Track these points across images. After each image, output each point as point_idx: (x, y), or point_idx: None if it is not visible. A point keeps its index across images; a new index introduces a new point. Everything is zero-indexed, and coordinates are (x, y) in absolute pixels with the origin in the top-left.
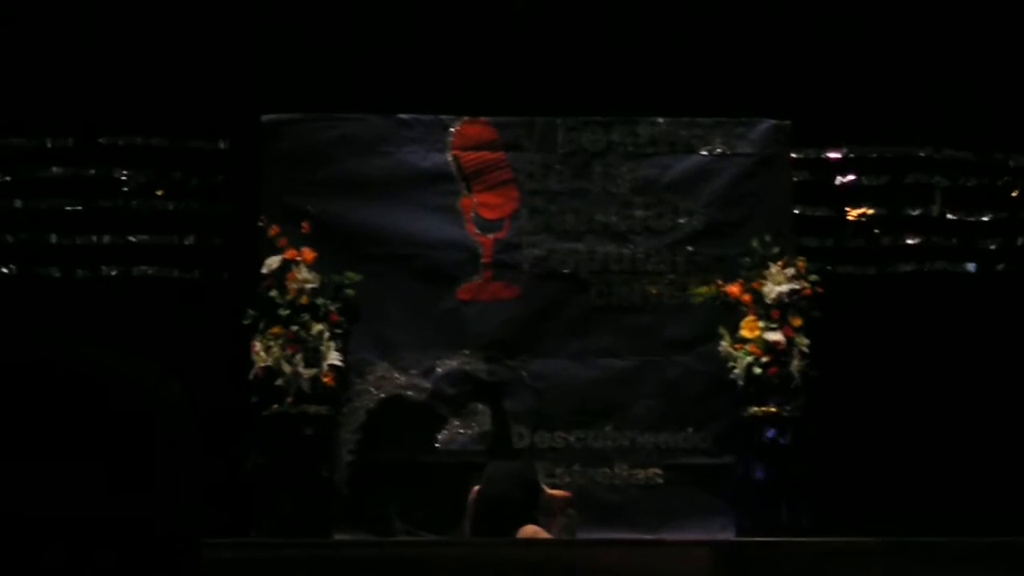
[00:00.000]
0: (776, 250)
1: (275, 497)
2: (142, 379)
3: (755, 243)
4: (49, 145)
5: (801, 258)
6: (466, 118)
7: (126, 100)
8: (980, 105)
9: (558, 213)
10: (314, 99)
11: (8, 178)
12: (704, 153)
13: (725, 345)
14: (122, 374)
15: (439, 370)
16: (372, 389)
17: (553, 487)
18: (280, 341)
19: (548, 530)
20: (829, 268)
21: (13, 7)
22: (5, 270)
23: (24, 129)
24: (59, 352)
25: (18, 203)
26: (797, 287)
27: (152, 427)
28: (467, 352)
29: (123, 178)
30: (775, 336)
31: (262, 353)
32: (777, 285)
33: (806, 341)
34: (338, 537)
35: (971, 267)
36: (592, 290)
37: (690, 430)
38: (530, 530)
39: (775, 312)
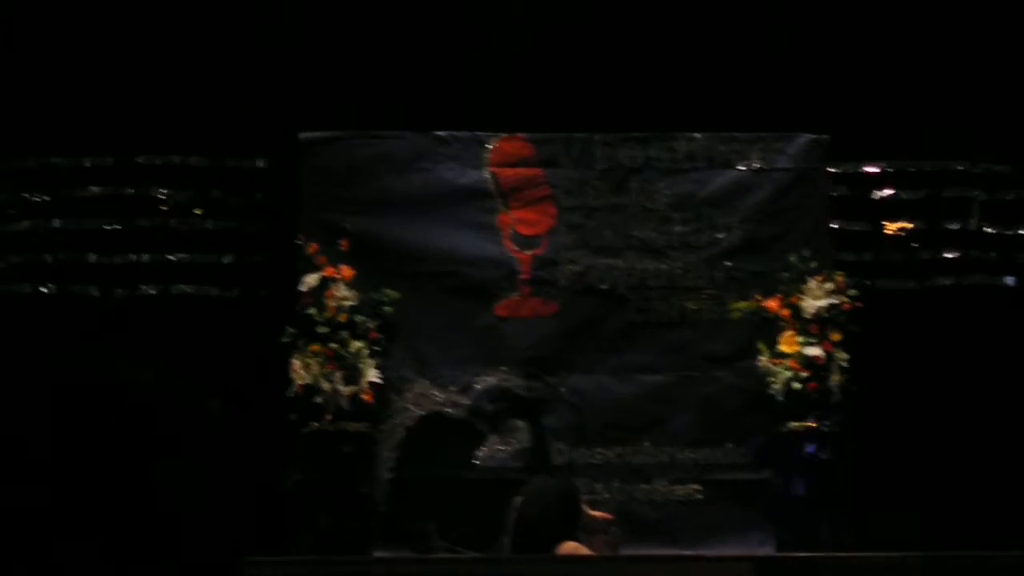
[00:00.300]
0: (814, 265)
1: (314, 514)
2: (182, 398)
3: (793, 258)
4: (88, 164)
5: (839, 273)
6: (503, 135)
7: (164, 119)
8: (1018, 118)
9: (596, 229)
10: (351, 117)
11: (47, 198)
12: (742, 168)
13: (764, 360)
14: (162, 393)
15: (477, 387)
16: (411, 406)
17: (592, 503)
18: (319, 359)
19: (589, 548)
20: (868, 282)
21: (52, 27)
22: (44, 289)
23: (63, 148)
24: (101, 372)
25: (57, 222)
26: (836, 302)
27: (192, 445)
28: (505, 369)
29: (162, 197)
30: (814, 351)
31: (301, 371)
32: (816, 300)
33: (845, 356)
34: (377, 554)
35: (1010, 281)
36: (630, 306)
37: (729, 445)
38: (570, 547)
39: (814, 327)
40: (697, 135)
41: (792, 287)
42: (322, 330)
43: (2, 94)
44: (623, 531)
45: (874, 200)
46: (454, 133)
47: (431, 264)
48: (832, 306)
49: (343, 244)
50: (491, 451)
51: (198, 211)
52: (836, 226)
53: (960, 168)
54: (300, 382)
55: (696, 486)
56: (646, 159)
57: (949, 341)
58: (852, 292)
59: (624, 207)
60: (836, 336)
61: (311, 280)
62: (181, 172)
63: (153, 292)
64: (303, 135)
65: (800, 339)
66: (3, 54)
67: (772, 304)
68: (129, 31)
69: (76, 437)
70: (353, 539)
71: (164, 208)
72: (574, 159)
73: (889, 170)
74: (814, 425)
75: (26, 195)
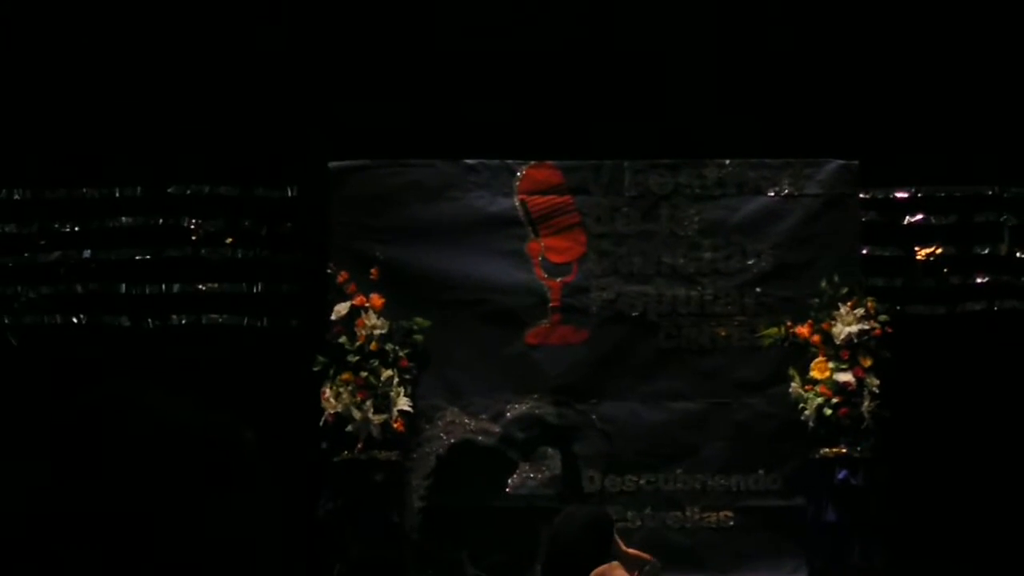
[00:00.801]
0: (845, 290)
1: (347, 543)
2: (217, 429)
3: (824, 284)
4: (118, 194)
5: (870, 298)
6: (533, 162)
7: (194, 149)
8: None
9: (626, 256)
10: (381, 145)
11: (77, 228)
12: (772, 194)
13: (795, 386)
14: (196, 424)
15: (508, 414)
16: (442, 434)
17: (624, 531)
18: (350, 387)
19: None
20: (898, 308)
21: (82, 59)
22: (75, 320)
23: (93, 179)
24: (136, 404)
25: (88, 253)
26: (867, 327)
27: (228, 475)
28: (536, 396)
29: (192, 227)
30: (845, 377)
31: (332, 400)
32: (847, 326)
33: (876, 381)
34: None
35: None
36: (661, 333)
37: (761, 472)
38: (603, 570)
39: (845, 353)
40: (727, 162)
41: (823, 313)
42: (353, 359)
43: (33, 125)
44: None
45: (904, 225)
46: (483, 161)
47: (461, 292)
48: (863, 332)
49: (373, 273)
50: (522, 479)
51: (228, 240)
52: (867, 252)
53: (990, 193)
54: (331, 411)
55: (728, 513)
56: (676, 186)
57: (980, 366)
58: (883, 318)
59: (654, 234)
60: (867, 362)
61: (341, 309)
62: (211, 202)
63: (184, 322)
64: (333, 164)
65: (831, 365)
66: (34, 85)
67: (803, 330)
68: (158, 62)
69: (112, 468)
70: (385, 568)
71: (194, 238)
72: (604, 186)
73: (919, 195)
74: (845, 451)
75: (57, 225)
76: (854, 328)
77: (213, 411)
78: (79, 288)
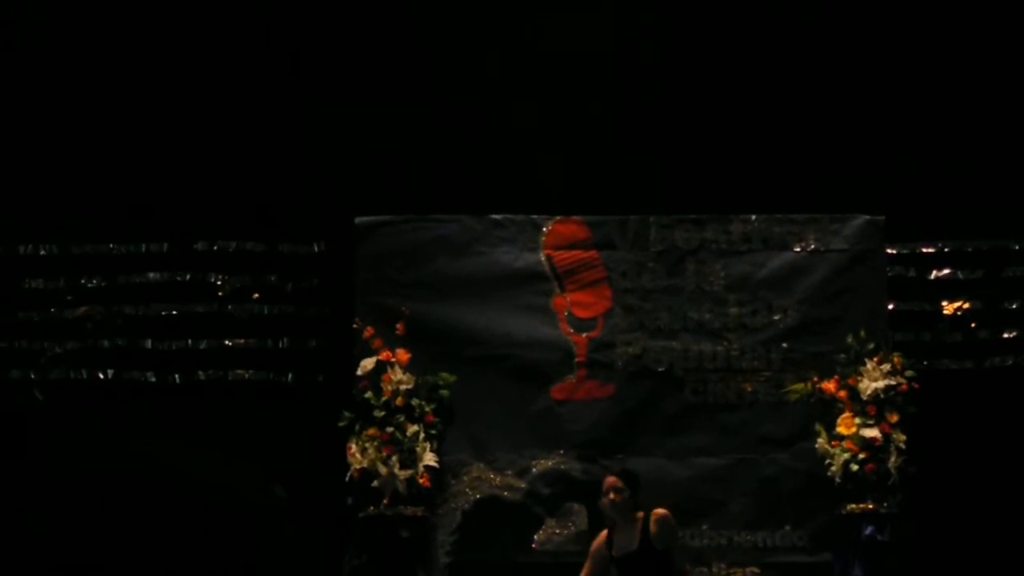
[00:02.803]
0: (871, 346)
1: None
2: (247, 485)
3: (850, 339)
4: (144, 250)
5: (897, 353)
6: (558, 217)
7: (221, 205)
8: None
9: (652, 311)
10: (407, 201)
11: (104, 283)
12: (798, 249)
13: (821, 442)
14: (226, 482)
15: (534, 470)
16: (467, 490)
17: None
18: (376, 443)
19: None
20: (925, 363)
21: (109, 115)
22: (102, 375)
23: (120, 235)
24: (169, 462)
25: (114, 308)
26: (893, 383)
27: (258, 533)
28: (562, 452)
29: (218, 283)
30: (872, 432)
31: (358, 455)
32: (873, 381)
33: (903, 437)
34: None
35: None
36: (687, 388)
37: (787, 528)
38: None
39: (871, 408)
40: (753, 217)
41: (849, 368)
42: (379, 414)
43: (60, 182)
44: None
45: (931, 280)
46: (509, 216)
47: (487, 347)
48: (889, 387)
49: (399, 328)
50: (548, 535)
51: (255, 296)
52: (893, 307)
53: (1017, 247)
54: (357, 466)
55: (754, 569)
56: (702, 241)
57: (1008, 422)
58: (909, 373)
59: (680, 289)
60: (894, 417)
61: (368, 364)
62: (237, 257)
63: (210, 377)
64: (359, 220)
65: (858, 420)
66: (62, 143)
67: (829, 386)
68: (186, 120)
69: (143, 525)
70: None
71: (221, 293)
72: (629, 241)
73: (946, 250)
74: (872, 507)
75: (84, 281)
76: (881, 384)
77: (243, 467)
78: (105, 343)
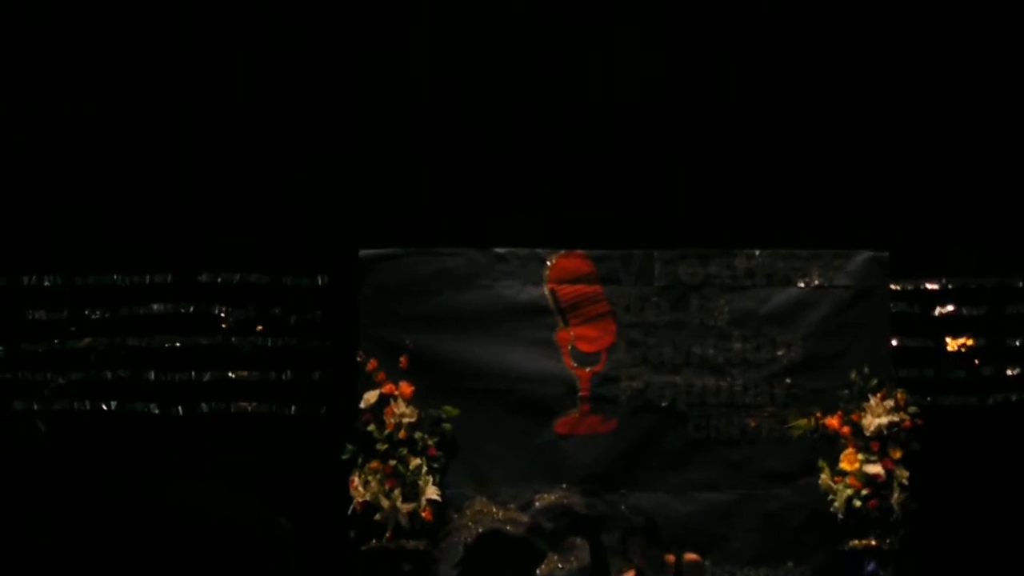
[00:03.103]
0: (875, 382)
1: None
2: (254, 518)
3: (854, 375)
4: (148, 281)
5: (900, 390)
6: (562, 252)
7: (224, 237)
8: None
9: (655, 346)
10: (411, 234)
11: (107, 315)
12: (802, 285)
13: (824, 478)
14: (229, 514)
15: (537, 504)
16: (470, 523)
17: None
18: (378, 476)
19: None
20: (929, 399)
21: (112, 146)
22: (105, 407)
23: (123, 266)
24: (171, 493)
25: (117, 340)
26: (896, 419)
27: (263, 563)
28: (565, 486)
29: (222, 315)
30: (875, 468)
31: (360, 488)
32: (876, 417)
33: (906, 473)
34: None
35: None
36: (690, 423)
37: (790, 564)
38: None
39: (875, 444)
40: (756, 252)
41: (853, 404)
42: (382, 447)
43: (63, 212)
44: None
45: (935, 316)
46: (513, 250)
47: (490, 381)
48: (893, 424)
49: (403, 361)
50: (550, 569)
51: (258, 328)
52: (897, 343)
53: (1021, 284)
54: (359, 499)
55: None
56: (706, 276)
57: (1012, 459)
58: (912, 410)
59: (684, 324)
60: (897, 454)
61: (371, 397)
62: (241, 290)
63: (213, 409)
64: (363, 252)
65: (861, 457)
66: (66, 173)
67: (832, 422)
68: (190, 150)
69: (144, 556)
70: None
71: (224, 326)
72: (633, 276)
73: (950, 286)
74: (875, 543)
75: (87, 312)
76: (884, 420)
77: (250, 501)
78: (108, 375)
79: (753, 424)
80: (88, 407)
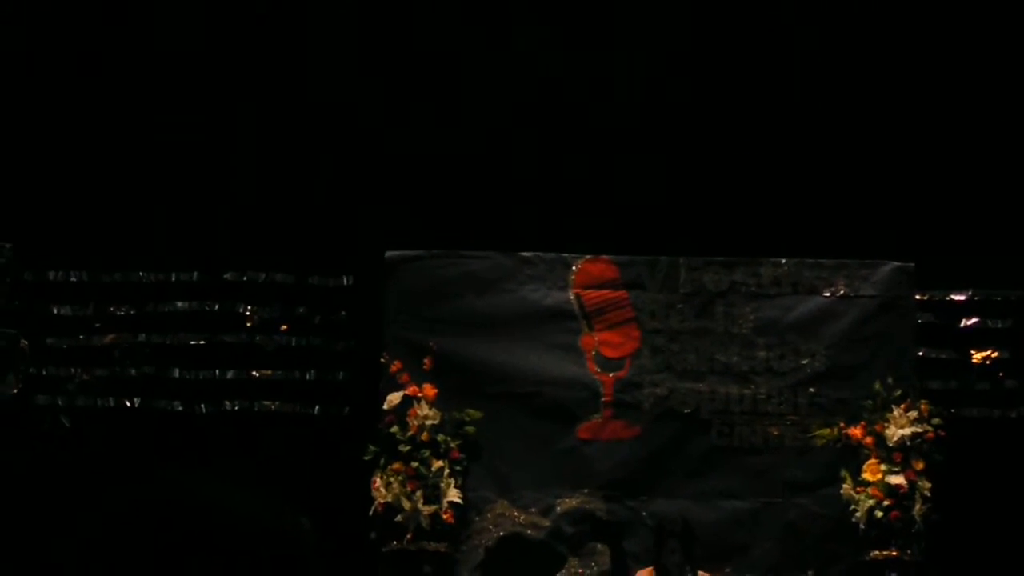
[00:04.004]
0: (898, 393)
1: None
2: (276, 518)
3: (877, 386)
4: (174, 279)
5: (924, 401)
6: (588, 256)
7: (250, 236)
8: None
9: (679, 353)
10: (437, 236)
11: (133, 312)
12: (827, 295)
13: (847, 488)
14: (254, 512)
15: (558, 509)
16: (491, 527)
17: None
18: (400, 477)
19: None
20: (953, 410)
21: (140, 143)
22: (128, 403)
23: (149, 263)
24: (193, 491)
25: (142, 337)
26: (920, 430)
27: (284, 563)
28: (586, 491)
29: (247, 313)
30: (897, 479)
31: (382, 489)
32: (900, 428)
33: (928, 484)
34: None
35: None
36: (713, 430)
37: (811, 573)
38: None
39: (897, 455)
40: (783, 261)
41: (876, 415)
42: (404, 448)
43: (90, 209)
44: None
45: (960, 328)
46: (539, 254)
47: (514, 384)
48: (916, 435)
49: (426, 363)
50: (571, 574)
51: (283, 328)
52: (922, 354)
53: None
54: (381, 500)
55: None
56: (731, 284)
57: None
58: (936, 421)
59: (708, 331)
60: (919, 465)
61: (394, 398)
62: (266, 289)
63: (237, 408)
64: (389, 254)
65: (883, 467)
66: (92, 169)
67: (856, 432)
68: (217, 150)
69: (172, 558)
70: None
71: (249, 324)
72: (659, 282)
73: (975, 298)
74: (896, 554)
75: (112, 309)
76: (907, 431)
77: (273, 500)
78: (132, 372)
79: (776, 433)
80: (112, 403)
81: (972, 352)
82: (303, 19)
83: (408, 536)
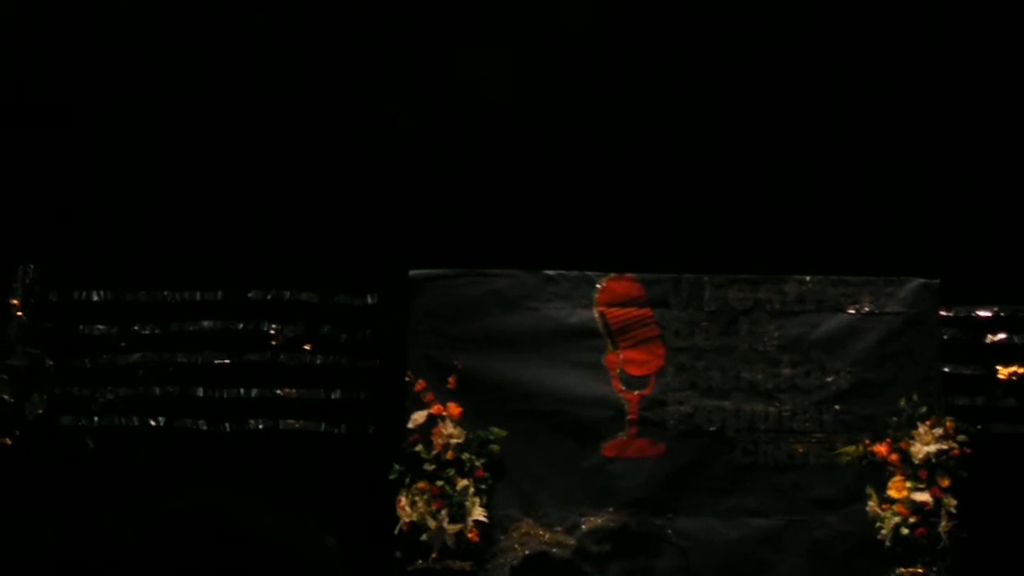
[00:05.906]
0: (924, 410)
1: None
2: (299, 536)
3: (903, 402)
4: (199, 298)
5: (949, 418)
6: (612, 274)
7: (275, 255)
8: None
9: (704, 370)
10: (461, 255)
11: (158, 331)
12: (852, 312)
13: (872, 505)
14: (280, 531)
15: (584, 527)
16: (516, 545)
17: None
18: (425, 496)
19: None
20: (979, 427)
21: (164, 162)
22: (153, 422)
23: (174, 282)
24: (220, 510)
25: (166, 355)
26: (945, 447)
27: None
28: (612, 509)
29: (271, 332)
30: (923, 496)
31: (407, 508)
32: (925, 445)
33: (954, 502)
34: None
35: None
36: (738, 448)
37: None
38: None
39: (923, 472)
40: (807, 278)
41: (902, 432)
42: (429, 467)
43: (114, 228)
44: None
45: (986, 344)
46: (563, 272)
47: (538, 403)
48: (941, 452)
49: (451, 381)
50: None
51: (307, 347)
52: (947, 370)
53: None
54: (406, 519)
55: None
56: (755, 301)
57: None
58: (962, 438)
59: (733, 349)
60: (945, 482)
61: (419, 417)
62: (291, 307)
63: (261, 427)
64: (413, 272)
65: (909, 484)
66: (116, 188)
67: (881, 449)
68: (242, 168)
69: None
70: None
71: (274, 343)
72: (683, 300)
73: (1001, 314)
74: (922, 571)
75: (137, 328)
76: (932, 448)
77: (298, 520)
78: (157, 391)
79: (801, 450)
80: (136, 423)
81: (998, 368)
82: (333, 42)
83: (433, 555)
